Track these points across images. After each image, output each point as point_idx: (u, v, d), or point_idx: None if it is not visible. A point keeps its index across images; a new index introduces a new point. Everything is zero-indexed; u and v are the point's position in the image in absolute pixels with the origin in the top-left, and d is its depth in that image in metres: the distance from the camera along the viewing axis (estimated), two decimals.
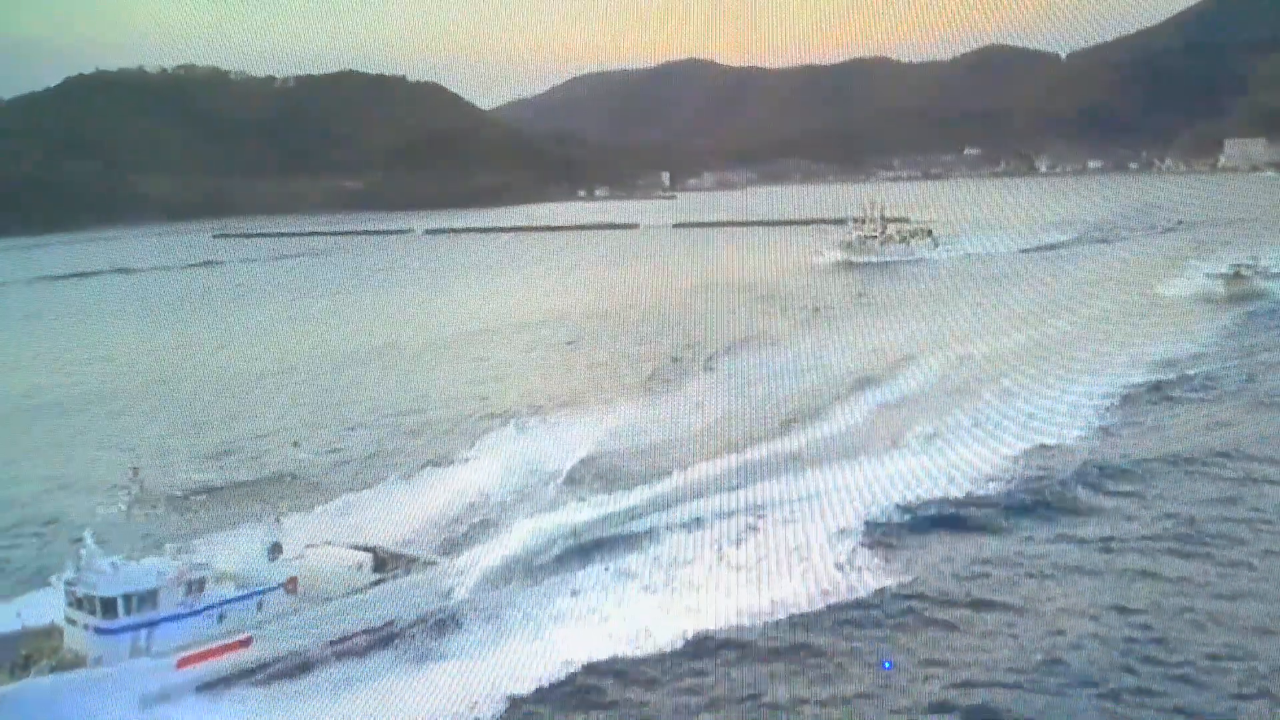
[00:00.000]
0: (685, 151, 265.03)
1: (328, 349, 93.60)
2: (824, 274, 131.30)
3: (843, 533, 43.03)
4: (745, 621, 36.67)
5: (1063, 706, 30.83)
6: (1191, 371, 67.88)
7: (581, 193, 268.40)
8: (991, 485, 47.58)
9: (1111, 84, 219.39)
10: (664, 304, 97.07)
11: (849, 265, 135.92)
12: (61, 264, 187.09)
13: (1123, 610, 36.21)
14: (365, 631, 36.67)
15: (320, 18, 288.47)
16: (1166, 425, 56.96)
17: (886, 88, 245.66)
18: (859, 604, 37.52)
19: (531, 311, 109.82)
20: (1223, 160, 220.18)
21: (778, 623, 36.57)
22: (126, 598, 32.98)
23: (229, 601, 34.96)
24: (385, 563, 40.18)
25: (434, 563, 40.63)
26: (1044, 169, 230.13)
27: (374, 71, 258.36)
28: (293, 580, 36.63)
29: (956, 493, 46.45)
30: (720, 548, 42.72)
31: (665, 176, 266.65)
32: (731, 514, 45.64)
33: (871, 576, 39.35)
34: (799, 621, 36.62)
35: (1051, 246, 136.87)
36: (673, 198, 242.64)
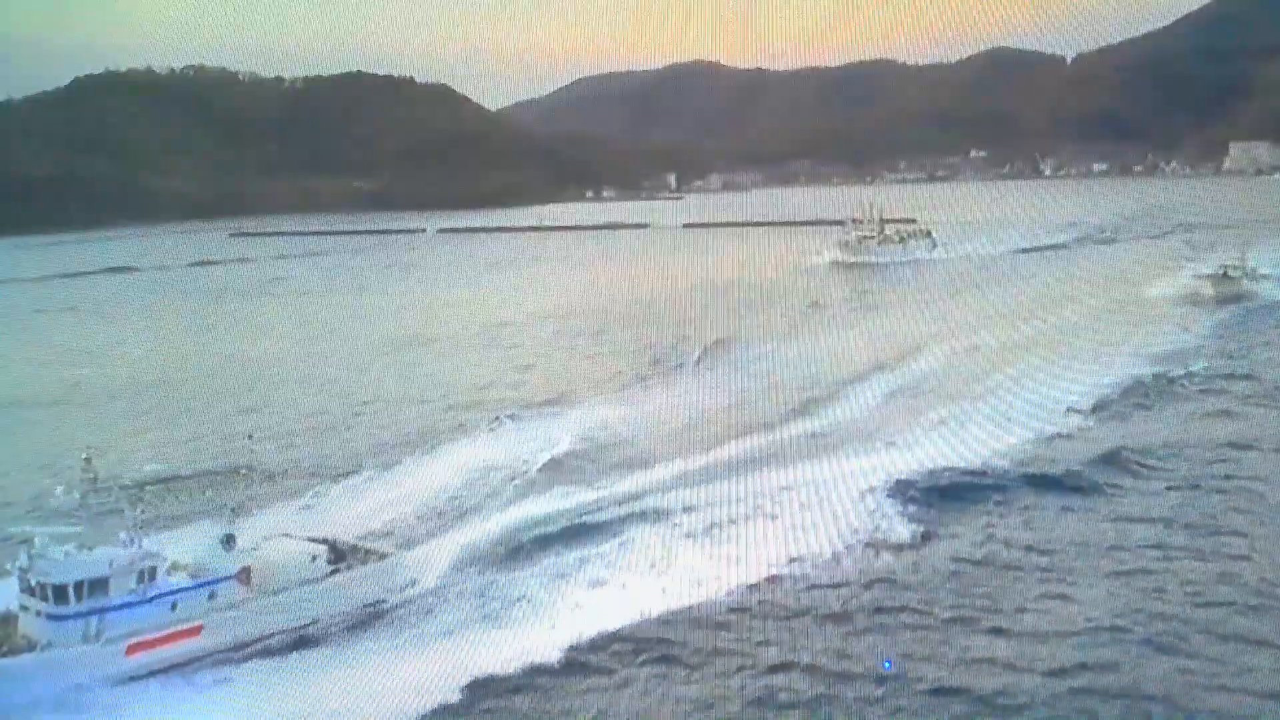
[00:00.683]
0: (692, 153, 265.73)
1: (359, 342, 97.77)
2: (818, 273, 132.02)
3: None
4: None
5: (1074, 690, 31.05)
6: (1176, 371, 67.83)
7: (589, 194, 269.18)
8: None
9: (1117, 87, 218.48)
10: (668, 299, 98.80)
11: (846, 266, 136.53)
12: (90, 260, 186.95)
13: None
14: (315, 622, 37.21)
15: (327, 18, 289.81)
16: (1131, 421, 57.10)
17: (892, 90, 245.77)
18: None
19: (558, 305, 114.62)
20: (1227, 163, 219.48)
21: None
22: (77, 585, 33.63)
23: (181, 591, 35.57)
24: (343, 555, 40.75)
25: (390, 554, 41.21)
26: (1049, 172, 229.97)
27: (383, 73, 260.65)
28: (246, 570, 37.24)
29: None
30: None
31: (672, 178, 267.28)
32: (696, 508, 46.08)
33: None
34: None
35: (1051, 248, 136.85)
36: (679, 199, 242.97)
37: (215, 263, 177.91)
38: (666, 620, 36.37)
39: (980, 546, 41.64)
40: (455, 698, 32.54)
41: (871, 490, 46.08)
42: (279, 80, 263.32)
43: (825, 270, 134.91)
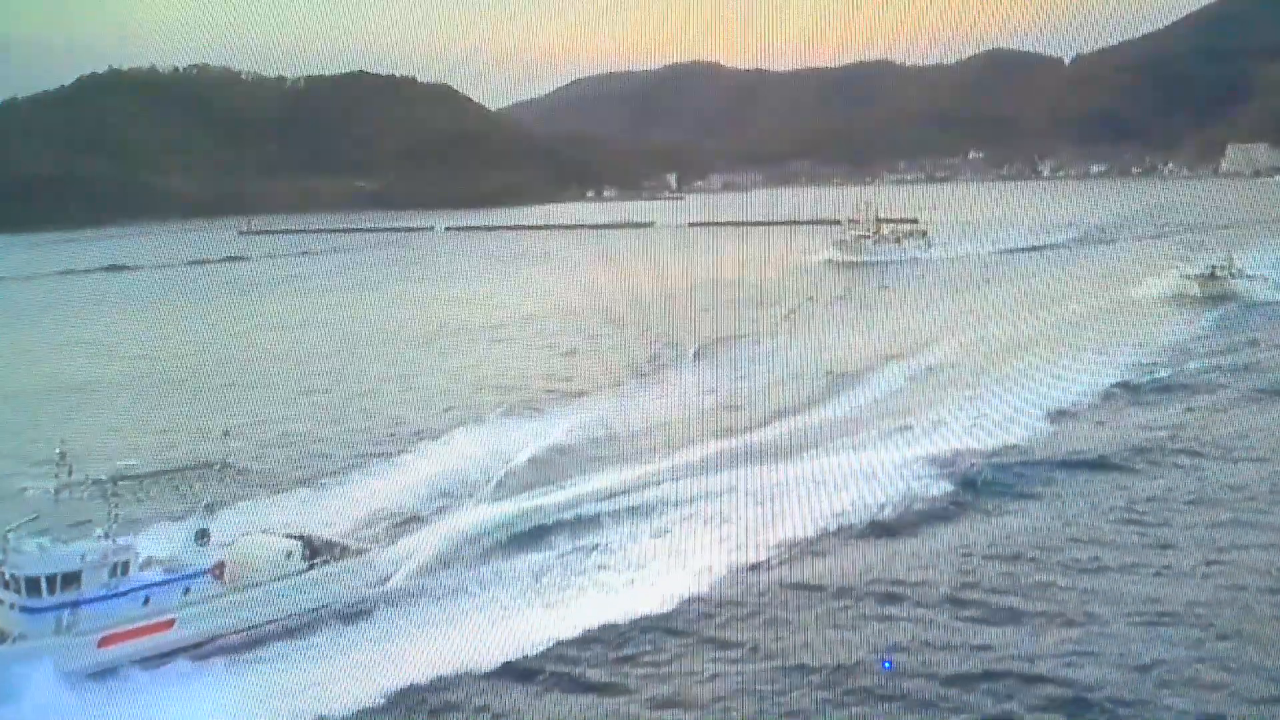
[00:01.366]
0: (692, 153, 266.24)
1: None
2: (813, 271, 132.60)
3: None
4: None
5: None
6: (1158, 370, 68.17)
7: (590, 193, 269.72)
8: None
9: (1115, 88, 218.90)
10: (667, 296, 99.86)
11: (841, 264, 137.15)
12: (97, 258, 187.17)
13: None
14: (290, 616, 37.49)
15: (329, 18, 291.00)
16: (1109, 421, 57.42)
17: (892, 91, 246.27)
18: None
19: (574, 299, 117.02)
20: (1225, 165, 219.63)
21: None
22: (50, 578, 33.92)
23: (154, 585, 35.86)
24: (318, 551, 41.00)
25: (367, 550, 41.45)
26: (1047, 173, 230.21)
27: (384, 72, 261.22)
28: (220, 566, 37.54)
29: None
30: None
31: (672, 178, 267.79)
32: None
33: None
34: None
35: (1045, 248, 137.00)
36: (680, 199, 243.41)
37: (212, 262, 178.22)
38: (664, 615, 36.39)
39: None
40: (429, 693, 32.63)
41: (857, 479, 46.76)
42: (281, 80, 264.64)
43: (822, 269, 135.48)
